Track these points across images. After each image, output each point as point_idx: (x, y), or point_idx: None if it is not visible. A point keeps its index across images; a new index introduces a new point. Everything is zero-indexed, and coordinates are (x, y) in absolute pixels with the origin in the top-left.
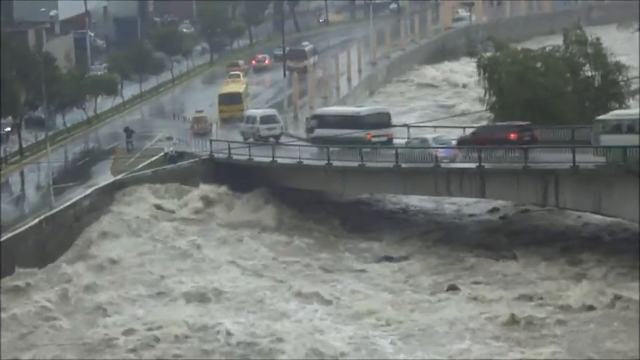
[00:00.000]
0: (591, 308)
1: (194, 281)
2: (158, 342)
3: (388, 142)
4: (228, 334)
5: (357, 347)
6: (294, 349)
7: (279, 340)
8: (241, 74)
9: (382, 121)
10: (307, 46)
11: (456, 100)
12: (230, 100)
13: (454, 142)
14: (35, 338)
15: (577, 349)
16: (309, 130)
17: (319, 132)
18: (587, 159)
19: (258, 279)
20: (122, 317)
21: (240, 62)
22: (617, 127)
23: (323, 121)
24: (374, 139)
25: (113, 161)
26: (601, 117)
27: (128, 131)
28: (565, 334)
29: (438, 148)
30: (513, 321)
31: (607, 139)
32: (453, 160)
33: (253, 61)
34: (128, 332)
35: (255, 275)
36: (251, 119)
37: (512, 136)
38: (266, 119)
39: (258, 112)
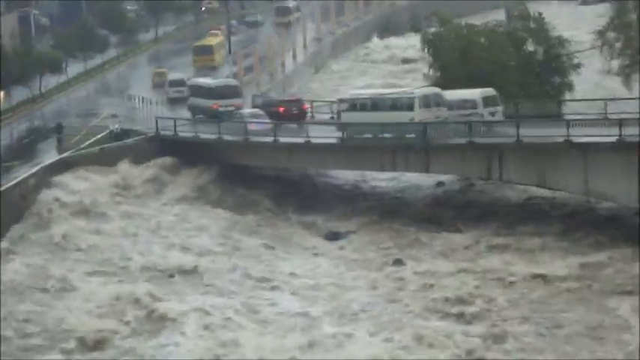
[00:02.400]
0: (535, 280)
1: (141, 259)
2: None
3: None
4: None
5: (290, 324)
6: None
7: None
8: (220, 33)
9: (231, 92)
10: (291, 3)
11: (400, 75)
12: (202, 51)
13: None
14: None
15: (518, 322)
16: (187, 98)
17: (191, 100)
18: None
19: (201, 256)
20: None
21: (222, 27)
22: (354, 106)
23: (193, 90)
24: (221, 109)
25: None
26: (342, 97)
27: (59, 127)
28: (506, 307)
29: (252, 121)
30: (456, 296)
31: (346, 116)
32: (266, 134)
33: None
34: None
35: (199, 253)
36: (166, 83)
37: (280, 109)
38: (174, 83)
39: (169, 76)
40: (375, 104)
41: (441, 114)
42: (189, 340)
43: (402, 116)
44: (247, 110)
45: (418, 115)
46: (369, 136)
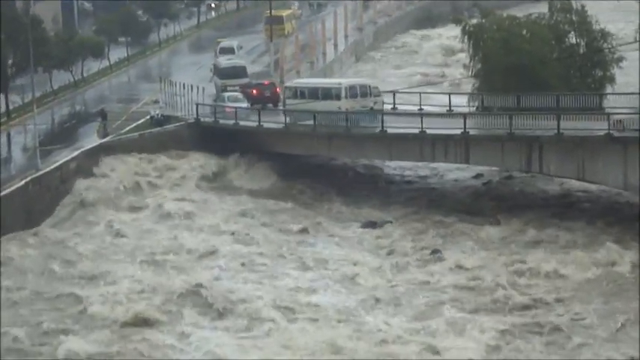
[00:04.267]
0: (574, 275)
1: (173, 244)
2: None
3: None
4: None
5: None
6: (268, 307)
7: (258, 297)
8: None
9: (238, 72)
10: None
11: (440, 66)
12: (273, 21)
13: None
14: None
15: (557, 318)
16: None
17: (214, 79)
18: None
19: (240, 243)
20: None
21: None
22: (295, 94)
23: (215, 69)
24: (229, 88)
25: (99, 124)
26: (287, 84)
27: (103, 114)
28: (547, 302)
29: (229, 106)
30: (493, 288)
31: (290, 103)
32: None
33: None
34: None
35: (237, 239)
36: (216, 50)
37: (254, 92)
38: (225, 50)
39: (220, 44)
40: (311, 93)
41: (367, 104)
42: None
43: (332, 105)
44: (227, 94)
45: (344, 104)
46: (311, 122)
